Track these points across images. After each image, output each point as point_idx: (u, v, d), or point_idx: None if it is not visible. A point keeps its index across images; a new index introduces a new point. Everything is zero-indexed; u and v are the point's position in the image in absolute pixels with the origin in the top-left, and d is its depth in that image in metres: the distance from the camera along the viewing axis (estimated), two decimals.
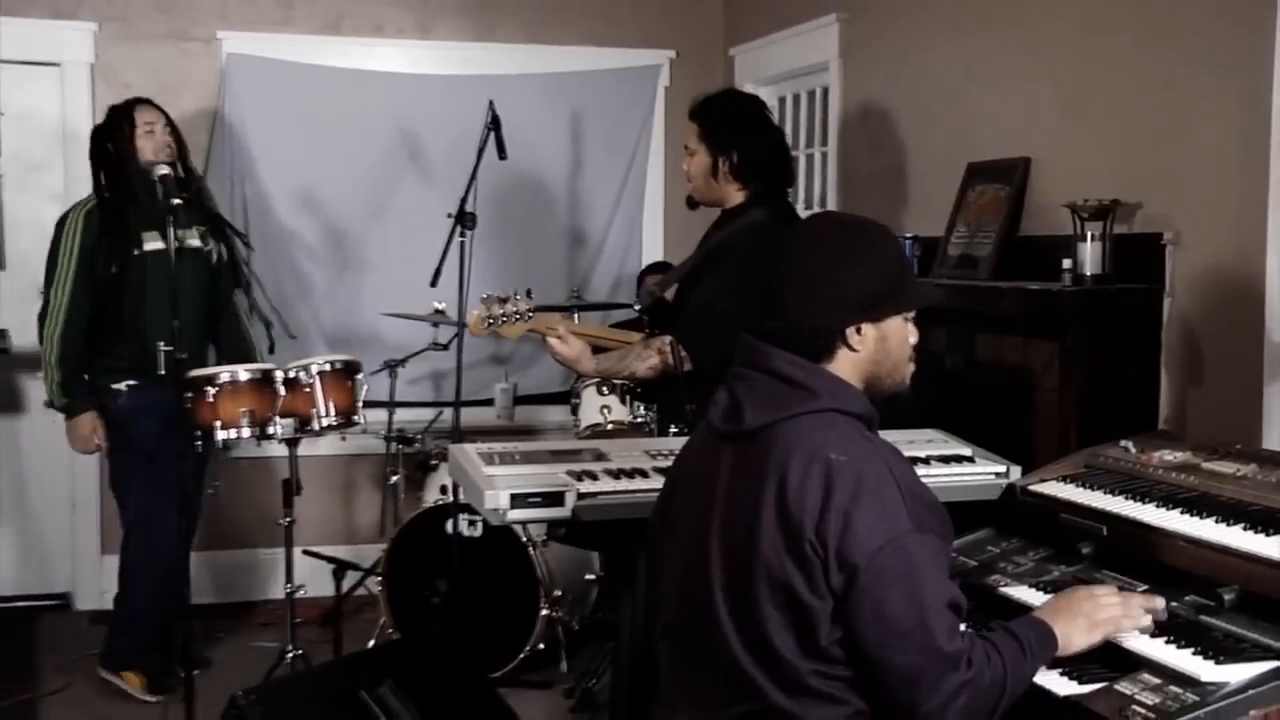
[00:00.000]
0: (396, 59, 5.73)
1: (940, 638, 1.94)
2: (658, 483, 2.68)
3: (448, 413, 4.68)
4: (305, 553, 4.75)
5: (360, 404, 4.26)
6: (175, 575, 4.37)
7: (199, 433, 3.92)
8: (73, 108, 5.41)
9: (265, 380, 4.02)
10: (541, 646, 4.61)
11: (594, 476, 2.82)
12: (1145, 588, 2.36)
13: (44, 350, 4.39)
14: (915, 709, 1.95)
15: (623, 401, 4.56)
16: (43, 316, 4.41)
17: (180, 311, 3.85)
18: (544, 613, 4.54)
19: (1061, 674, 2.13)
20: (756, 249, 3.35)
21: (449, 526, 4.40)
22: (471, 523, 4.47)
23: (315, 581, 4.70)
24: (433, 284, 4.47)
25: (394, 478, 5.14)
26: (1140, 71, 3.36)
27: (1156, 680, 2.06)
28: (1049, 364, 3.25)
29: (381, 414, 5.03)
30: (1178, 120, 3.23)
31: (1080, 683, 2.11)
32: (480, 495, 2.72)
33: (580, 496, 2.74)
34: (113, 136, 4.43)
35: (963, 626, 2.04)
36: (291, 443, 4.10)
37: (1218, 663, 2.05)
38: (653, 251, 5.99)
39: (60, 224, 4.44)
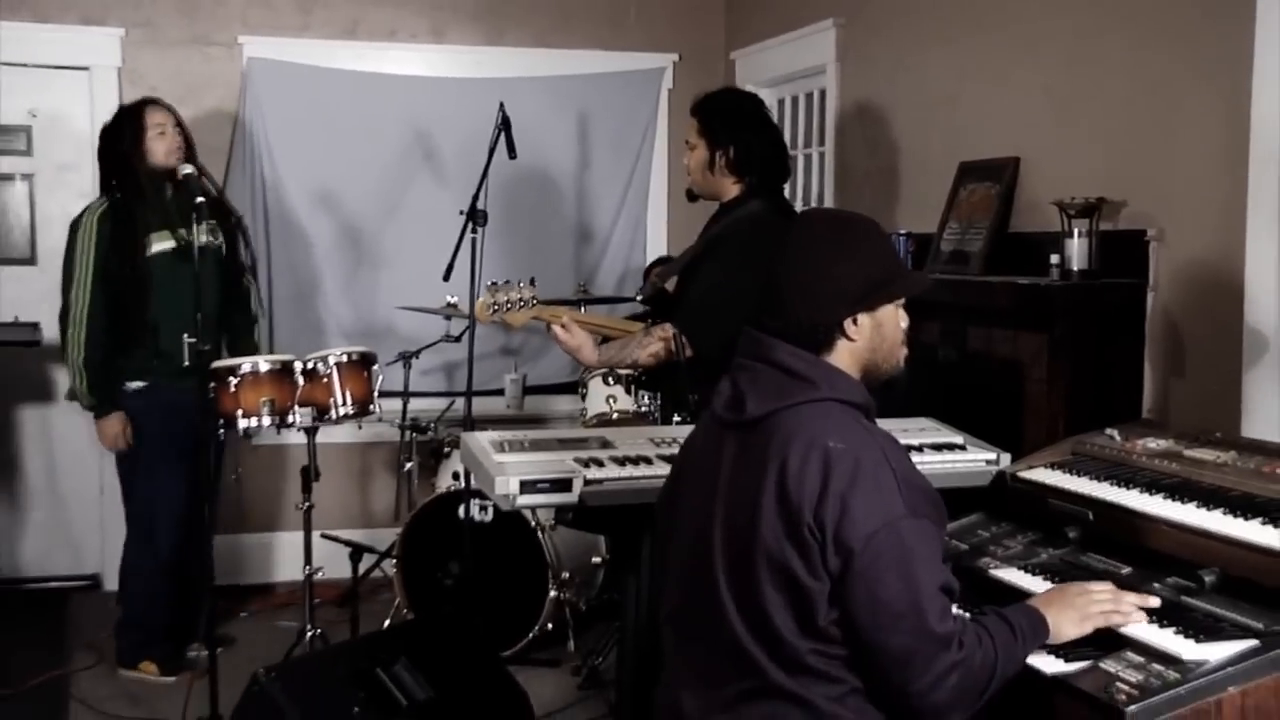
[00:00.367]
0: (411, 62, 5.73)
1: (932, 619, 1.94)
2: (662, 469, 2.69)
3: (460, 402, 4.69)
4: (323, 536, 4.75)
5: (376, 394, 4.26)
6: (177, 569, 4.38)
7: (221, 421, 3.92)
8: (101, 110, 5.38)
9: (285, 371, 4.03)
10: (550, 626, 4.62)
11: (600, 464, 2.82)
12: (1130, 570, 2.36)
13: (69, 352, 4.33)
14: (907, 687, 1.95)
15: (628, 391, 4.54)
16: (63, 318, 4.35)
17: (203, 305, 3.85)
18: (552, 594, 4.55)
19: (1049, 653, 2.13)
20: (753, 239, 3.35)
21: (461, 511, 4.42)
22: (483, 508, 4.48)
23: (333, 564, 4.71)
24: (445, 279, 4.47)
25: (408, 465, 5.14)
26: (1126, 76, 3.36)
27: (1140, 659, 2.07)
28: (1038, 355, 3.25)
29: (396, 403, 5.04)
30: (1161, 122, 3.23)
31: (1067, 661, 2.11)
32: (491, 481, 2.73)
33: (587, 483, 2.74)
34: (124, 138, 4.37)
35: (956, 609, 2.05)
36: (310, 431, 4.10)
37: (1198, 642, 2.05)
38: (656, 246, 5.99)
39: (74, 226, 4.39)
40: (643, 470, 2.80)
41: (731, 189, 3.59)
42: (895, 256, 2.22)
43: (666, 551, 2.25)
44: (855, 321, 2.11)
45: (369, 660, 3.11)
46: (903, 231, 4.05)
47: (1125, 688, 1.99)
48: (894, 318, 2.17)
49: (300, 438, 4.16)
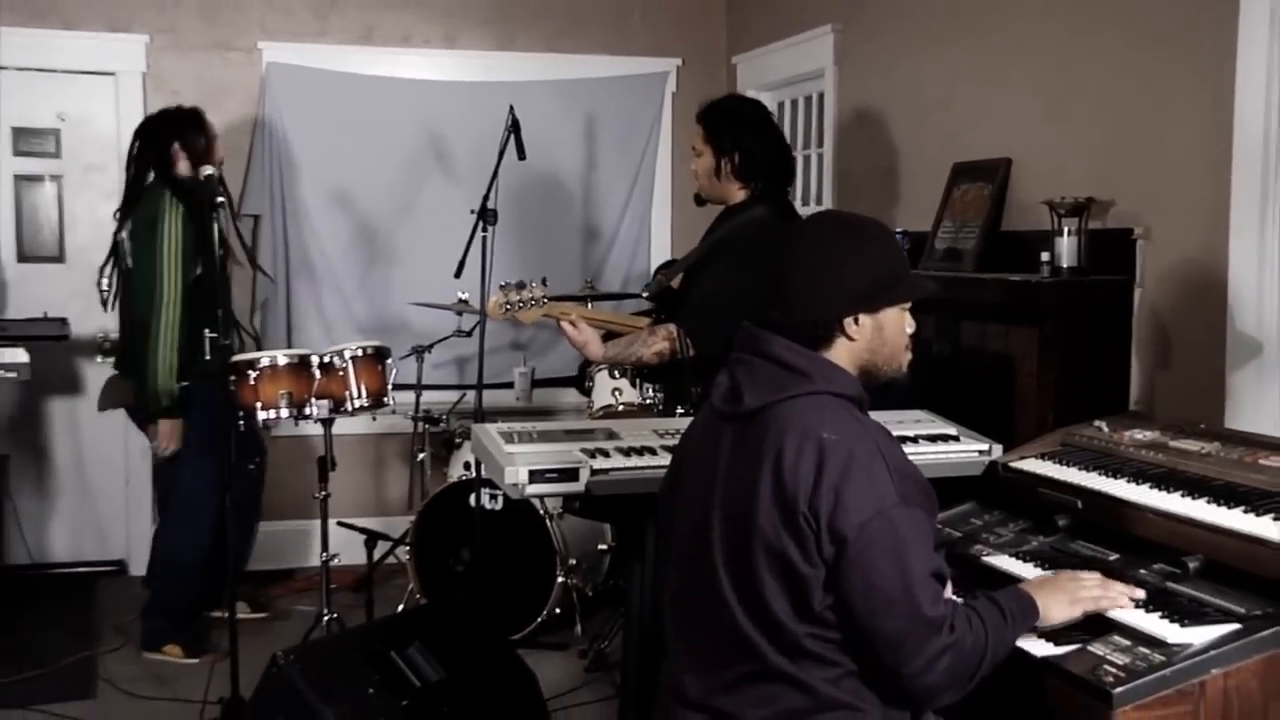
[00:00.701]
0: (424, 67, 5.72)
1: (924, 604, 1.94)
2: (665, 460, 2.68)
3: (471, 395, 4.68)
4: (339, 524, 4.76)
5: (390, 387, 4.26)
6: (206, 561, 4.40)
7: (241, 413, 3.93)
8: (126, 114, 5.41)
9: (302, 364, 4.03)
10: (558, 611, 4.63)
11: (606, 454, 2.82)
12: (1117, 557, 2.36)
13: (160, 352, 4.19)
14: (901, 670, 1.95)
15: (633, 384, 4.56)
16: (153, 317, 4.21)
17: (222, 301, 3.85)
18: (560, 580, 4.55)
19: (1039, 636, 2.13)
20: (757, 243, 3.34)
21: (472, 500, 4.42)
22: (493, 496, 4.48)
23: (349, 551, 4.71)
24: (457, 276, 4.48)
25: (421, 455, 5.15)
26: (1114, 80, 3.36)
27: (1127, 642, 2.07)
28: (1029, 350, 3.25)
29: (409, 396, 5.04)
30: (1148, 125, 3.22)
31: (1056, 645, 2.11)
32: (501, 471, 2.73)
33: (593, 472, 2.74)
34: (188, 138, 4.34)
35: (949, 593, 2.05)
36: (326, 422, 4.10)
37: (1183, 626, 2.05)
38: (661, 244, 5.99)
39: (152, 222, 4.24)
40: (647, 460, 2.81)
41: (737, 193, 3.58)
42: (903, 261, 2.20)
43: (668, 539, 2.25)
44: (856, 321, 2.09)
45: (383, 643, 3.11)
46: (899, 230, 4.05)
47: (1112, 670, 1.99)
48: (898, 321, 2.15)
49: (317, 429, 4.17)
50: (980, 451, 3.01)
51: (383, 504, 5.78)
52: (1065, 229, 3.29)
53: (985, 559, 2.51)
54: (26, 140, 5.44)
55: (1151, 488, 2.43)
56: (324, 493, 4.14)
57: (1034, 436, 2.99)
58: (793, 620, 1.97)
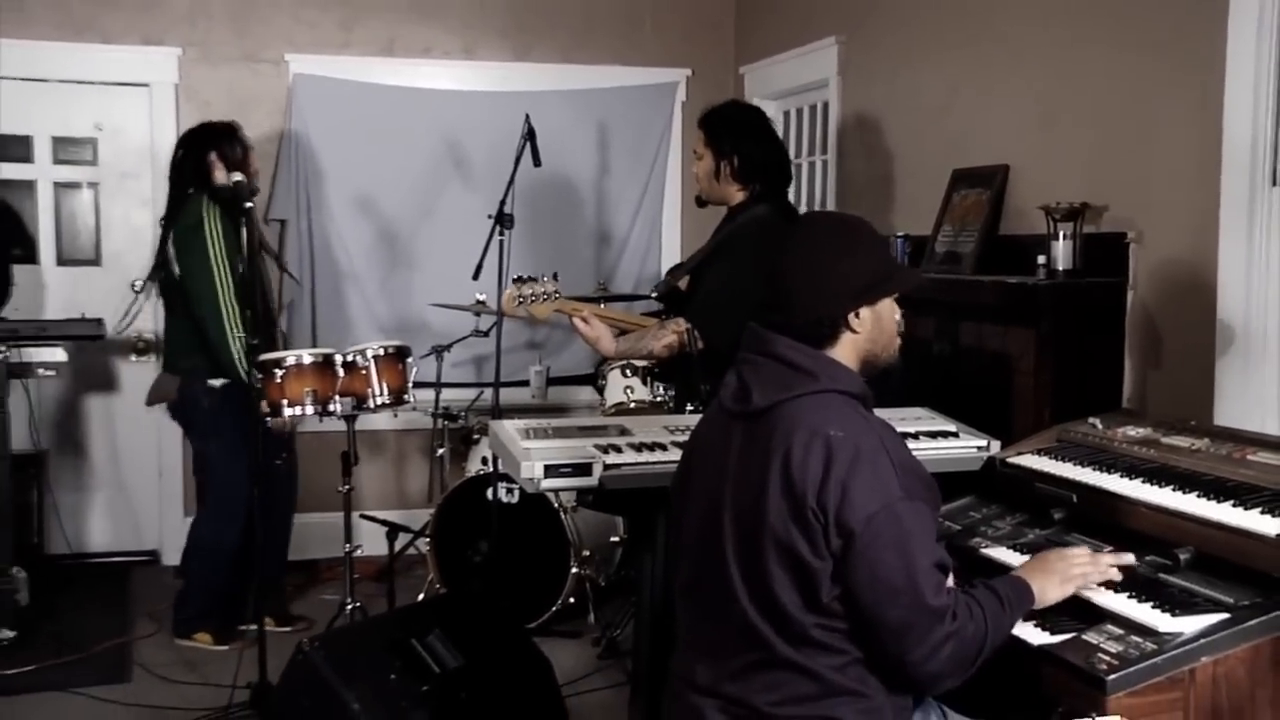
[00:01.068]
0: (443, 77, 5.73)
1: (928, 594, 1.93)
2: (676, 455, 2.68)
3: (488, 392, 4.69)
4: (362, 516, 4.77)
5: (410, 384, 4.26)
6: (239, 552, 4.42)
7: (268, 410, 3.94)
8: (159, 123, 5.44)
9: (326, 363, 4.03)
10: (572, 600, 4.63)
11: (619, 449, 2.82)
12: (1111, 548, 2.35)
13: (229, 339, 4.24)
14: (905, 657, 1.95)
15: (644, 382, 4.55)
16: (213, 313, 4.26)
17: (253, 303, 3.86)
18: (574, 570, 4.55)
19: (1035, 626, 2.13)
20: (759, 241, 3.35)
21: (489, 494, 4.42)
22: (509, 490, 4.48)
23: (371, 542, 4.72)
24: (474, 278, 4.48)
25: (440, 450, 5.15)
26: (1107, 89, 3.35)
27: (1119, 631, 2.07)
28: (1025, 349, 3.24)
29: (429, 393, 5.04)
30: (1140, 133, 3.21)
31: (1052, 633, 2.11)
32: (517, 466, 2.73)
33: (606, 467, 2.74)
34: (224, 148, 4.37)
35: (950, 582, 2.05)
36: (349, 419, 4.10)
37: (1174, 615, 2.05)
38: (671, 248, 5.98)
39: (193, 230, 4.29)
40: (658, 456, 2.80)
41: (737, 195, 3.58)
42: (891, 254, 2.22)
43: (679, 532, 2.26)
44: (858, 315, 2.10)
45: (404, 631, 3.12)
46: (900, 234, 4.04)
47: (1106, 658, 1.99)
48: (890, 311, 2.17)
49: (340, 425, 4.16)
50: (979, 447, 3.01)
51: (404, 497, 5.79)
52: (1060, 233, 3.28)
53: (984, 551, 2.50)
54: (65, 149, 5.47)
55: (1144, 482, 2.43)
56: (347, 486, 4.14)
57: (1031, 433, 2.98)
58: (801, 611, 1.96)
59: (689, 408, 3.62)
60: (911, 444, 2.88)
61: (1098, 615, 2.13)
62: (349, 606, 4.12)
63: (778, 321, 2.11)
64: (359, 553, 4.26)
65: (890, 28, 4.56)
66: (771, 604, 1.98)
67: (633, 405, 4.47)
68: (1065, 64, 3.52)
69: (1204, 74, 2.96)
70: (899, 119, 4.52)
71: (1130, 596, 2.14)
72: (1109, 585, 2.18)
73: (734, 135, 3.55)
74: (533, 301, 3.47)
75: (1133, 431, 2.70)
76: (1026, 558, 2.39)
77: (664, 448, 2.85)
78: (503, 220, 4.35)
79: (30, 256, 5.40)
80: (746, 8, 5.95)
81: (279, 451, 4.47)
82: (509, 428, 2.95)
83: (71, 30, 5.31)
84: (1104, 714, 1.88)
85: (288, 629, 4.52)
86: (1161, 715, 1.96)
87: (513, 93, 5.61)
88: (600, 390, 4.74)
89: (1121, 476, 2.48)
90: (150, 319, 5.34)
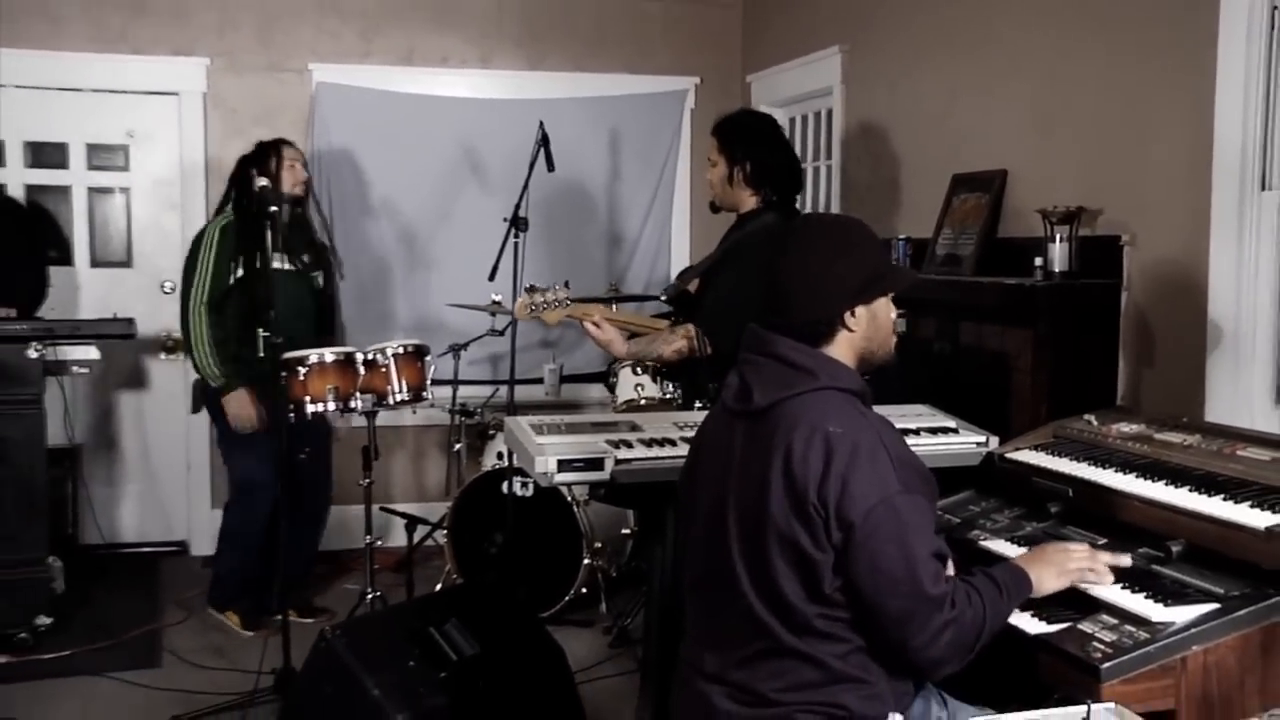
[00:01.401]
0: (460, 86, 5.74)
1: (926, 583, 1.93)
2: (685, 451, 2.67)
3: (503, 389, 4.69)
4: (382, 509, 4.78)
5: (429, 382, 4.27)
6: (265, 537, 4.45)
7: (292, 406, 3.95)
8: (189, 130, 5.46)
9: (348, 361, 4.04)
10: (584, 590, 4.63)
11: (629, 445, 2.82)
12: (1105, 541, 2.35)
13: (193, 339, 4.34)
14: (906, 644, 1.95)
15: (654, 380, 4.55)
16: (184, 315, 4.37)
17: (279, 309, 3.87)
18: (586, 562, 4.55)
19: (1032, 615, 2.13)
20: (767, 248, 3.34)
21: (504, 487, 4.43)
22: (524, 484, 4.49)
23: (391, 534, 4.73)
24: (490, 279, 4.49)
25: (457, 445, 5.16)
26: (1102, 97, 3.34)
27: (1114, 620, 2.07)
28: (1023, 348, 3.23)
29: (447, 391, 5.06)
30: (1134, 139, 3.21)
31: (1048, 623, 2.11)
32: (532, 461, 2.73)
33: (618, 462, 2.74)
34: (261, 166, 4.42)
35: (950, 571, 2.04)
36: (370, 415, 4.11)
37: (1166, 605, 2.04)
38: (680, 251, 5.98)
39: (198, 237, 4.44)
40: (668, 451, 2.80)
41: (749, 201, 3.57)
42: (885, 254, 2.22)
43: (687, 526, 2.26)
44: (854, 314, 2.09)
45: (423, 619, 3.12)
46: (902, 236, 4.03)
47: (1100, 646, 1.99)
48: (886, 309, 2.16)
49: (361, 421, 4.18)
50: (978, 443, 3.00)
51: (422, 491, 5.80)
52: (1057, 236, 3.27)
53: (982, 543, 2.50)
54: (99, 155, 5.50)
55: (1137, 477, 2.42)
56: (368, 480, 4.15)
57: (1028, 429, 2.98)
58: (804, 602, 1.96)
59: (697, 405, 3.62)
60: (913, 440, 2.89)
61: (1093, 605, 2.13)
62: (369, 596, 4.14)
63: (777, 322, 2.11)
64: (379, 544, 4.28)
65: (892, 38, 4.55)
66: (776, 595, 1.98)
67: (643, 402, 4.47)
68: (1061, 72, 3.51)
69: (1195, 82, 2.95)
70: (900, 125, 4.52)
71: (1124, 587, 2.13)
72: None
73: (747, 143, 3.54)
74: (544, 309, 3.47)
75: (1127, 428, 2.70)
76: (1024, 550, 2.38)
77: (673, 443, 2.85)
78: (518, 223, 4.36)
79: (65, 258, 5.44)
80: (753, 18, 5.94)
81: (302, 446, 4.48)
82: (523, 424, 2.95)
83: (105, 42, 5.33)
84: (1099, 701, 1.88)
85: (310, 620, 4.54)
86: (1154, 701, 1.95)
87: (527, 100, 5.62)
88: (611, 388, 4.74)
89: (1116, 471, 2.48)
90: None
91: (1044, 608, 2.14)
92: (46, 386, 4.47)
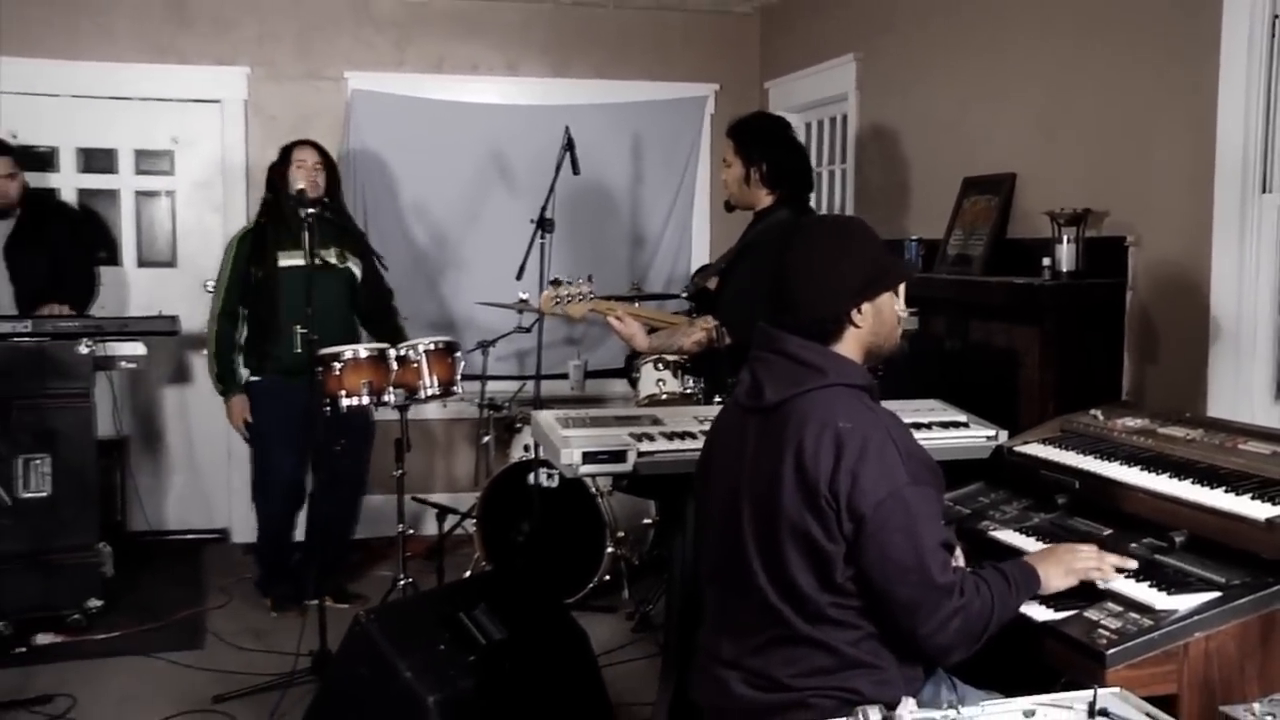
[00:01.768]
0: (489, 92, 5.75)
1: (935, 572, 1.93)
2: None
3: (530, 384, 4.71)
4: (414, 499, 4.80)
5: (459, 377, 4.28)
6: (289, 526, 4.59)
7: (328, 399, 3.98)
8: (230, 136, 5.50)
9: (381, 357, 4.06)
10: (607, 578, 4.64)
11: (651, 438, 2.81)
12: (1110, 532, 2.34)
13: (208, 347, 4.61)
14: (916, 631, 1.95)
15: (675, 375, 4.55)
16: (209, 321, 4.61)
17: (314, 305, 3.91)
18: (609, 550, 4.56)
19: (1040, 603, 2.12)
20: (780, 243, 3.34)
21: (531, 478, 4.44)
22: (550, 475, 4.50)
23: (422, 523, 4.75)
24: (518, 278, 4.50)
25: (486, 438, 5.18)
26: (1108, 102, 3.32)
27: (1119, 608, 2.06)
28: (1031, 346, 3.22)
29: (476, 385, 5.07)
30: (1139, 143, 3.19)
31: (1055, 610, 2.10)
32: (557, 453, 2.74)
33: (640, 455, 2.74)
34: (275, 169, 4.56)
35: (960, 562, 2.04)
36: (402, 409, 4.13)
37: (1169, 594, 2.04)
38: (700, 251, 5.98)
39: (226, 248, 4.64)
40: (688, 444, 2.79)
41: (764, 200, 3.57)
42: (887, 251, 2.20)
43: (704, 518, 2.26)
44: (859, 310, 2.08)
45: (453, 605, 3.13)
46: (914, 237, 4.02)
47: (1106, 633, 1.98)
48: (890, 303, 2.14)
49: (394, 414, 4.20)
50: (988, 437, 2.99)
51: (452, 481, 5.83)
52: (1064, 237, 3.26)
53: (992, 533, 2.49)
54: (146, 160, 5.56)
55: (1141, 470, 2.41)
56: (400, 471, 4.17)
57: (1036, 424, 2.97)
58: (816, 591, 1.96)
59: (717, 399, 3.62)
60: (924, 433, 2.88)
61: (1099, 594, 2.12)
62: (402, 582, 4.16)
63: (785, 321, 2.10)
64: (411, 533, 4.30)
65: (905, 46, 4.54)
66: (789, 585, 1.98)
67: (664, 397, 4.46)
68: (1068, 79, 3.50)
69: (1198, 88, 2.94)
70: (913, 130, 4.50)
71: (1129, 576, 2.13)
72: None
73: (761, 144, 3.54)
74: (568, 302, 3.47)
75: (1131, 422, 2.68)
76: (1032, 539, 2.38)
77: (694, 436, 2.84)
78: (544, 225, 4.37)
79: (114, 259, 5.50)
80: (771, 27, 5.93)
81: (338, 438, 4.51)
82: (549, 417, 2.95)
83: (152, 52, 5.38)
84: (1104, 685, 1.87)
85: (346, 605, 4.57)
86: (1157, 686, 1.95)
87: (553, 106, 5.62)
88: (634, 383, 4.74)
89: (1121, 464, 2.47)
90: None
91: (1051, 595, 2.13)
92: (96, 381, 4.53)
